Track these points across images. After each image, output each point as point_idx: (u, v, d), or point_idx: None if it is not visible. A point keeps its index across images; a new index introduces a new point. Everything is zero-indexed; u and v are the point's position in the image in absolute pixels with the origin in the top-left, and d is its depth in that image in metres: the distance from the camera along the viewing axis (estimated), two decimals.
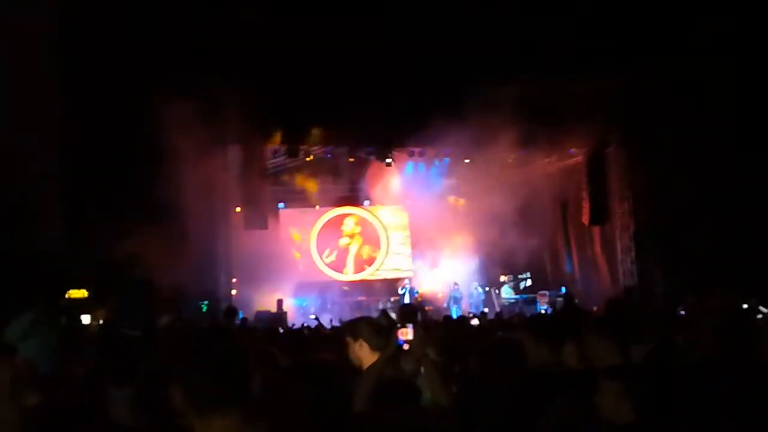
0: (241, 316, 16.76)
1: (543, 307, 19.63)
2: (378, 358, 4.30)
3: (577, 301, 17.20)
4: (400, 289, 21.29)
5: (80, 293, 14.92)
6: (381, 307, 18.77)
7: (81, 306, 14.21)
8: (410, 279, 21.99)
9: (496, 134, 16.22)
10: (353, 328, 4.53)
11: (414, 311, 6.08)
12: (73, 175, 14.60)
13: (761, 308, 10.51)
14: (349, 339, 4.46)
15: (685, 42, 15.02)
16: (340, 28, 15.05)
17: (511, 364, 3.98)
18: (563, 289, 20.37)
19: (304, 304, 20.25)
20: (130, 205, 13.76)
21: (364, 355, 4.35)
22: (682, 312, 9.70)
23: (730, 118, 14.87)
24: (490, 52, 14.67)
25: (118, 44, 13.71)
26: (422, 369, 4.11)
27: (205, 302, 15.95)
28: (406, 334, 4.21)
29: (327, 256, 22.66)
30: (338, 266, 22.78)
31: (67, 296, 14.68)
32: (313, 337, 9.79)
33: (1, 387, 2.40)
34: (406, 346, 4.22)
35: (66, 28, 14.00)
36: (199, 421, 2.03)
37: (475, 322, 10.66)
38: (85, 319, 13.49)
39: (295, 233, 22.34)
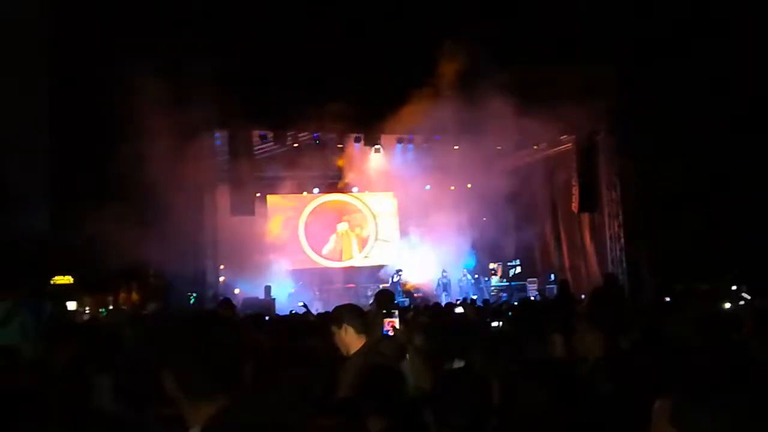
0: None
1: (533, 294, 19.68)
2: (363, 344, 4.30)
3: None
4: (394, 276, 21.27)
5: (65, 279, 14.86)
6: (370, 294, 18.77)
7: (66, 292, 14.17)
8: (399, 266, 21.97)
9: (486, 121, 16.17)
10: (335, 316, 4.53)
11: (392, 297, 6.07)
12: (60, 163, 14.51)
13: (744, 294, 10.57)
14: (333, 328, 4.46)
15: (677, 30, 15.02)
16: (333, 13, 15.00)
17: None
18: (552, 277, 20.42)
19: (292, 291, 20.19)
20: (116, 192, 13.68)
21: (351, 340, 4.35)
22: (669, 299, 9.74)
23: (720, 107, 14.88)
24: (481, 38, 14.60)
25: (103, 30, 13.60)
26: (407, 355, 4.10)
27: (194, 294, 15.88)
28: (393, 323, 4.20)
29: (315, 243, 22.63)
30: (326, 253, 22.76)
31: (52, 282, 14.63)
32: (300, 324, 9.75)
33: None
34: (391, 333, 4.21)
35: (52, 17, 13.88)
36: (190, 406, 2.02)
37: (459, 309, 10.62)
38: (71, 305, 13.45)
39: (283, 220, 22.28)
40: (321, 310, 13.97)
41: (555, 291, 17.78)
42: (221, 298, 14.23)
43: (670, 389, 2.10)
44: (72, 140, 14.21)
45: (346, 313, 4.47)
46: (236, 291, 18.74)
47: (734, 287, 12.34)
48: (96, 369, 4.10)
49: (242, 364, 2.09)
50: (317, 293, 20.46)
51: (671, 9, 15.00)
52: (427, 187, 22.24)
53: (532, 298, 18.44)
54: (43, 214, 13.95)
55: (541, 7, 15.45)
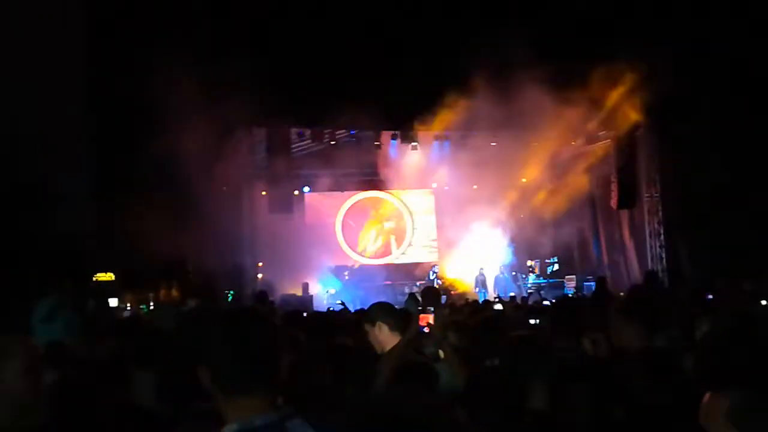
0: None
1: (570, 291, 19.55)
2: (398, 342, 4.31)
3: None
4: (430, 273, 21.30)
5: (107, 276, 15.09)
6: (407, 291, 18.79)
7: (108, 289, 14.39)
8: (436, 263, 21.98)
9: (524, 117, 16.09)
10: (368, 314, 4.55)
11: (437, 294, 6.06)
12: (103, 159, 14.72)
13: None
14: (367, 326, 4.47)
15: (718, 24, 14.77)
16: (371, 9, 15.02)
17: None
18: (590, 274, 20.23)
19: (330, 288, 20.29)
20: (157, 188, 13.86)
21: (385, 338, 4.37)
22: (711, 297, 9.60)
23: (762, 101, 14.60)
24: (520, 34, 14.52)
25: (141, 27, 13.77)
26: (441, 353, 4.11)
27: (232, 291, 16.02)
28: (428, 319, 4.21)
29: (352, 241, 22.71)
30: (364, 251, 22.82)
31: (94, 279, 14.87)
32: (337, 321, 9.79)
33: (19, 365, 2.44)
34: (427, 330, 4.22)
35: (91, 13, 14.09)
36: (226, 402, 2.03)
37: (498, 306, 10.56)
38: (113, 302, 13.67)
39: (320, 217, 22.38)
40: (358, 308, 14.05)
41: (593, 288, 17.63)
42: (257, 291, 14.37)
43: (709, 387, 2.10)
44: (112, 137, 14.42)
45: (380, 312, 4.49)
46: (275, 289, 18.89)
47: None
48: (138, 365, 4.18)
49: (279, 359, 2.11)
50: (354, 290, 20.53)
51: (713, 7, 14.78)
52: (465, 183, 22.18)
53: (570, 294, 18.29)
54: (86, 212, 14.16)
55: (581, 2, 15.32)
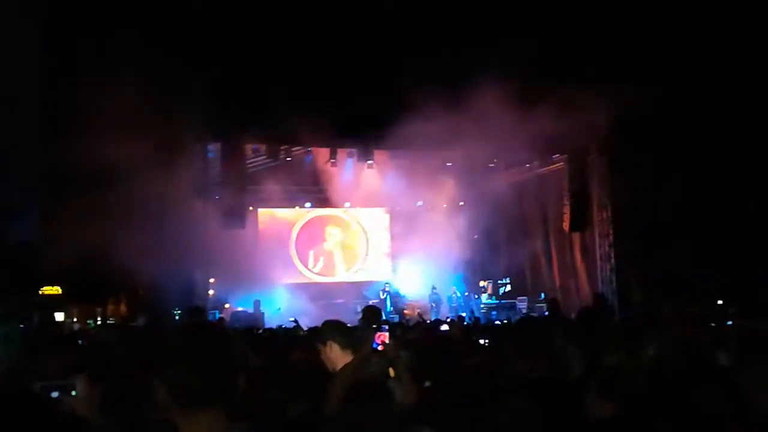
0: (217, 316, 16.68)
1: (521, 312, 19.69)
2: (351, 360, 4.30)
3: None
4: (381, 293, 21.27)
5: (54, 290, 14.78)
6: (359, 309, 18.72)
7: (54, 303, 14.09)
8: (390, 281, 21.96)
9: (479, 138, 16.22)
10: (320, 333, 4.54)
11: (378, 313, 6.09)
12: (51, 172, 14.46)
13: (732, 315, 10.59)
14: (319, 345, 4.45)
15: (671, 53, 15.13)
16: (326, 27, 15.07)
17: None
18: (542, 295, 20.42)
19: (281, 306, 20.12)
20: (107, 201, 13.63)
21: (336, 356, 4.35)
22: (656, 320, 9.75)
23: (712, 129, 14.95)
24: (476, 55, 14.69)
25: (97, 39, 13.61)
26: (391, 371, 4.10)
27: (179, 311, 15.79)
28: (383, 337, 4.22)
29: (305, 258, 22.60)
30: (317, 268, 22.72)
31: (40, 293, 14.56)
32: (289, 338, 9.74)
33: None
34: (380, 348, 4.22)
35: (46, 19, 13.90)
36: (183, 417, 2.00)
37: (444, 327, 10.56)
38: (59, 316, 13.39)
39: (274, 233, 22.24)
40: (310, 325, 13.96)
41: (544, 310, 17.85)
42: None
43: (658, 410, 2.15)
44: (62, 150, 14.17)
45: (330, 330, 4.47)
46: (226, 305, 18.68)
47: (721, 306, 12.39)
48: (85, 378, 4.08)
49: (236, 374, 2.09)
50: (307, 308, 20.39)
51: (667, 28, 15.12)
52: (419, 203, 22.30)
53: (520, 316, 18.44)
54: (33, 224, 13.88)
55: (537, 24, 15.56)
